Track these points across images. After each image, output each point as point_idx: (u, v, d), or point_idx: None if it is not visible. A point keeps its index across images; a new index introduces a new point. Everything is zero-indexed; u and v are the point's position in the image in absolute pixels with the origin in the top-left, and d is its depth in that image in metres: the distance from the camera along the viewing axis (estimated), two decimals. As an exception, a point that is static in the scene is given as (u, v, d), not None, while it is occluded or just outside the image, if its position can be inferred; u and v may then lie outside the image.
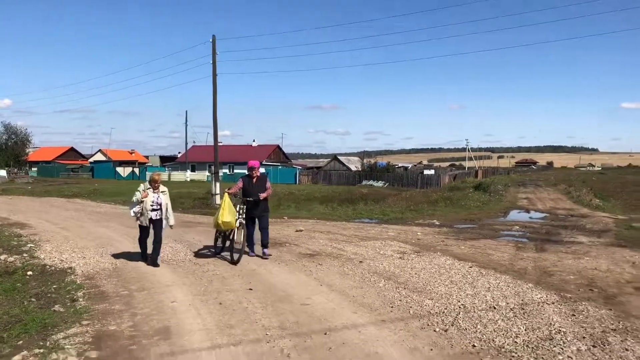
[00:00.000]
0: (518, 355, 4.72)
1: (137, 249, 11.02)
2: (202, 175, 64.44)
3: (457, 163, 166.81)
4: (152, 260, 9.12)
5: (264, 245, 9.84)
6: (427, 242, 12.35)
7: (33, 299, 7.08)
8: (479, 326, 5.58)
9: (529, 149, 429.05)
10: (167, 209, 9.12)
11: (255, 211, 9.68)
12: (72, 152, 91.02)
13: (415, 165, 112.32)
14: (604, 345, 4.98)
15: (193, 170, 67.46)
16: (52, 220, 16.60)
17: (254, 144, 75.07)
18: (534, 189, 45.29)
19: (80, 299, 6.97)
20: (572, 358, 4.65)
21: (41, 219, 16.68)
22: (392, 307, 6.38)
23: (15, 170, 66.47)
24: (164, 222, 9.16)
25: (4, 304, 6.89)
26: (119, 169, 69.41)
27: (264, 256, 9.67)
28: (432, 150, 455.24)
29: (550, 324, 5.68)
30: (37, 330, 5.69)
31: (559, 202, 29.97)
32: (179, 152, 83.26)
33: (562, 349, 4.88)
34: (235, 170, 64.84)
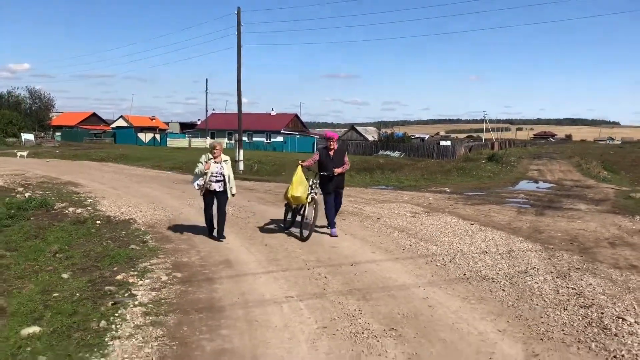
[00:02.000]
0: (497, 280, 6.26)
1: (183, 205, 12.73)
2: (222, 142, 66.18)
3: (474, 135, 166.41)
4: (218, 232, 8.74)
5: (332, 223, 9.08)
6: (437, 206, 13.82)
7: (109, 241, 8.72)
8: (471, 263, 7.12)
9: (548, 122, 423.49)
10: (229, 178, 8.65)
11: (329, 186, 8.95)
12: (94, 118, 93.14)
13: (432, 136, 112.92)
14: (565, 277, 6.49)
15: (212, 137, 69.07)
16: (98, 180, 18.37)
17: (273, 113, 76.24)
18: (547, 162, 46.34)
19: (150, 241, 8.60)
20: (537, 283, 6.16)
21: (88, 179, 18.46)
22: (403, 250, 7.94)
23: (42, 134, 68.75)
24: (228, 192, 8.68)
25: (87, 245, 8.56)
26: (141, 135, 71.24)
27: (331, 235, 8.95)
28: (450, 121, 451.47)
29: (528, 263, 7.19)
30: (125, 261, 7.32)
31: (568, 174, 31.19)
32: (199, 119, 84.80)
33: (532, 277, 6.40)
34: (254, 139, 66.35)
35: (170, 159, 33.88)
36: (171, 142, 66.49)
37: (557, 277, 6.48)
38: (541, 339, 4.46)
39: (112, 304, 5.43)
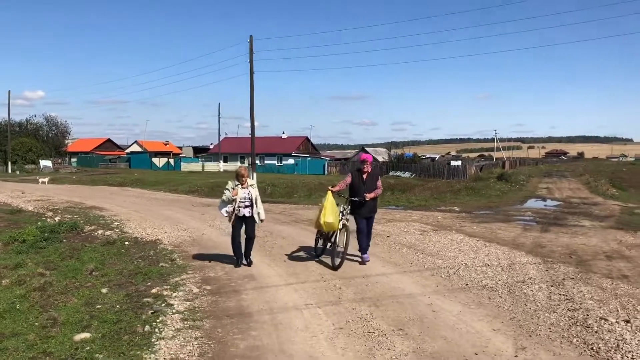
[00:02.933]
0: (496, 289, 6.91)
1: (205, 226, 13.49)
2: (234, 165, 67.13)
3: (485, 154, 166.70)
4: (246, 257, 8.72)
5: (364, 249, 8.82)
6: (445, 224, 14.46)
7: (139, 260, 9.47)
8: (473, 275, 7.78)
9: (559, 139, 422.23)
10: (257, 202, 8.52)
11: (361, 211, 8.65)
12: (108, 143, 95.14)
13: (442, 156, 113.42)
14: (559, 286, 7.12)
15: (225, 161, 70.35)
16: (121, 204, 19.25)
17: (284, 136, 77.53)
18: (557, 180, 46.65)
19: (177, 259, 9.34)
20: (532, 291, 6.80)
21: (112, 204, 19.35)
22: (411, 264, 8.62)
23: (59, 160, 70.42)
24: (256, 217, 8.56)
25: (119, 264, 9.31)
26: (155, 160, 72.74)
27: (362, 262, 8.70)
28: (461, 140, 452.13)
29: (526, 274, 7.83)
30: (157, 277, 8.06)
31: (577, 191, 31.62)
32: (211, 144, 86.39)
33: (528, 286, 7.05)
34: (266, 162, 67.47)
35: (186, 182, 34.82)
36: (185, 166, 67.81)
37: (552, 286, 7.12)
38: (530, 336, 5.11)
39: (152, 313, 6.15)
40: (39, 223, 13.50)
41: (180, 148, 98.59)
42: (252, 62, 31.71)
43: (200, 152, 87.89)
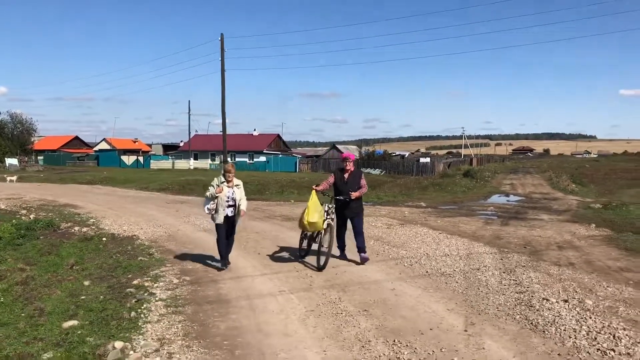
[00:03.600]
0: (453, 275, 7.58)
1: (180, 222, 13.86)
2: (205, 163, 67.31)
3: (454, 151, 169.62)
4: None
5: (361, 250, 8.66)
6: (411, 218, 15.16)
7: (118, 255, 9.83)
8: (433, 263, 8.45)
9: (526, 137, 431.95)
10: (241, 202, 8.35)
11: (346, 211, 8.58)
12: (76, 141, 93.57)
13: (412, 153, 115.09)
14: (510, 272, 7.84)
15: (196, 158, 70.11)
16: (95, 202, 19.39)
17: (255, 133, 77.63)
18: (521, 176, 48.20)
19: (155, 253, 9.74)
20: (486, 277, 7.49)
21: (85, 201, 19.48)
22: (377, 254, 9.24)
23: (26, 158, 69.06)
24: (239, 219, 8.44)
25: (98, 258, 9.65)
26: (124, 158, 71.98)
27: (362, 261, 8.54)
28: (430, 138, 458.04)
29: (482, 262, 8.54)
30: (137, 270, 8.45)
31: (539, 187, 32.92)
32: (181, 141, 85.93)
33: (482, 273, 7.74)
34: (237, 159, 67.54)
35: (156, 180, 34.84)
36: (155, 164, 67.37)
37: (504, 272, 7.83)
38: (479, 314, 5.77)
39: (136, 301, 6.59)
40: (14, 221, 13.65)
41: (150, 145, 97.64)
42: (224, 60, 31.98)
43: (170, 149, 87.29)
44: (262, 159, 66.17)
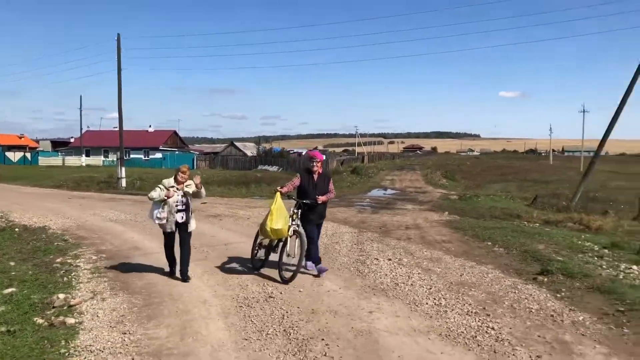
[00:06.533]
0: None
1: (86, 214, 15.18)
2: (97, 160, 65.70)
3: (350, 148, 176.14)
4: (181, 272, 7.64)
5: (314, 259, 8.02)
6: (297, 209, 17.58)
7: (34, 242, 11.15)
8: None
9: (417, 135, 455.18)
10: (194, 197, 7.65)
11: (313, 216, 7.97)
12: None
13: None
14: (359, 244, 10.46)
15: (88, 155, 68.17)
16: (-7, 198, 19.81)
17: (150, 129, 76.70)
18: (405, 172, 52.78)
19: (70, 239, 11.21)
20: (340, 247, 10.01)
21: (-18, 198, 19.82)
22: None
23: None
24: (192, 223, 7.72)
25: (16, 245, 10.93)
26: (9, 154, 68.29)
27: (319, 274, 7.90)
28: (328, 135, 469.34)
29: (341, 238, 11.10)
30: (57, 251, 9.95)
31: (415, 182, 37.04)
32: (72, 137, 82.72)
33: (339, 245, 10.28)
34: (132, 155, 66.55)
35: (49, 177, 34.56)
36: (44, 161, 64.73)
37: (355, 244, 10.44)
38: (330, 269, 8.17)
39: (64, 271, 8.26)
40: None
41: (37, 141, 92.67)
42: (120, 59, 32.50)
43: (59, 145, 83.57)
44: (158, 155, 65.88)
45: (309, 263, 8.02)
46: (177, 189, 7.40)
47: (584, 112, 79.71)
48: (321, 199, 7.85)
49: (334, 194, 8.39)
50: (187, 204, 7.51)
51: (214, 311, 6.17)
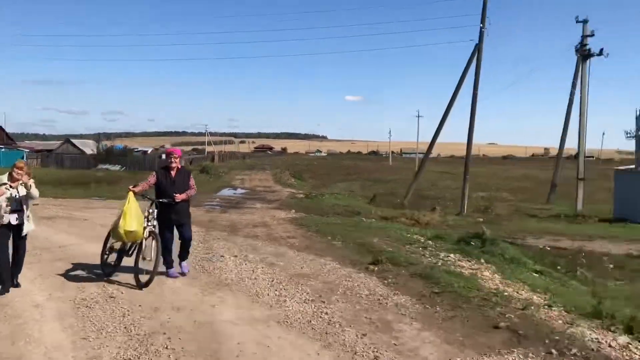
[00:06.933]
0: (161, 247, 9.93)
1: None
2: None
3: (200, 147, 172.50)
4: (12, 279, 6.95)
5: (183, 258, 7.91)
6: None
7: None
8: (149, 240, 10.67)
9: (268, 135, 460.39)
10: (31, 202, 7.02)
11: (173, 216, 7.62)
12: None
13: (156, 149, 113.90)
14: (206, 242, 10.61)
15: None
16: None
17: (-31, 124, 67.98)
18: (255, 172, 53.32)
19: None
20: (192, 247, 10.01)
21: None
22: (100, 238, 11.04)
23: None
24: (29, 224, 6.97)
25: None
26: None
27: (182, 273, 7.76)
28: (177, 134, 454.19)
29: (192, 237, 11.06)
30: None
31: (264, 181, 37.70)
32: None
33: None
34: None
35: None
36: None
37: (201, 242, 10.51)
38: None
39: None
40: None
41: None
42: None
43: None
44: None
45: (172, 270, 7.72)
46: (11, 186, 6.64)
47: (418, 116, 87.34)
48: (179, 196, 7.46)
49: (195, 190, 8.03)
50: (21, 203, 6.77)
51: (49, 314, 5.94)
